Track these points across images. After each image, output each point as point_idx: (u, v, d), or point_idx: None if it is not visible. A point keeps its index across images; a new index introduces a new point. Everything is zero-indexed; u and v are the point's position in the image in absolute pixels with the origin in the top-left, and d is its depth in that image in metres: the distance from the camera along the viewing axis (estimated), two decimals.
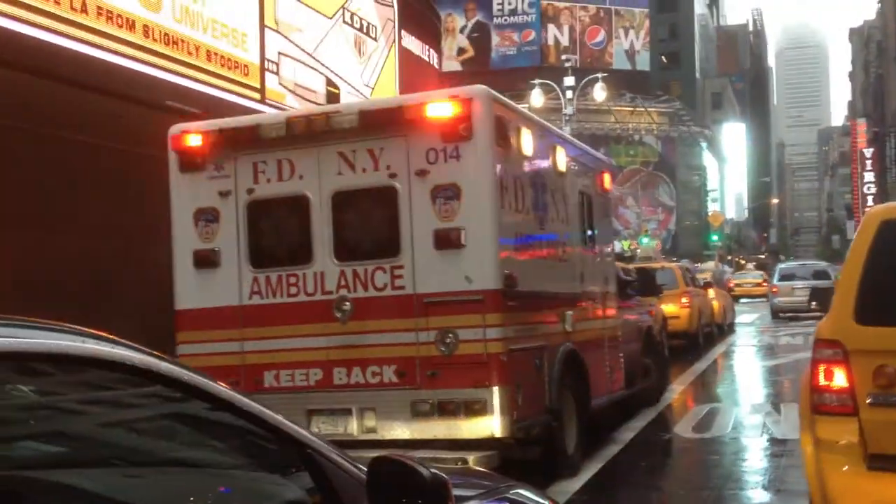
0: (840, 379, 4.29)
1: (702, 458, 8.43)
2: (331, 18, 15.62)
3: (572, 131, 30.98)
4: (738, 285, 45.04)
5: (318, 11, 15.20)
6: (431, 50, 20.57)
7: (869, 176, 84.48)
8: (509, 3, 67.70)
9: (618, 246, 32.22)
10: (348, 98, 15.92)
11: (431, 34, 21.00)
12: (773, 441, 8.76)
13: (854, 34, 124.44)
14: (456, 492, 2.18)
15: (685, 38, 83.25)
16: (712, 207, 71.31)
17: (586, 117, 53.26)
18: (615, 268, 10.20)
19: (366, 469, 2.17)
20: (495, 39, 67.85)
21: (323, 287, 6.69)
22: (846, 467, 4.23)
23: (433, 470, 2.12)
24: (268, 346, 6.78)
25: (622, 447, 8.63)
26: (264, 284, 6.84)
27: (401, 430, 6.42)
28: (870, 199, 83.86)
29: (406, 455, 2.25)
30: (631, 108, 63.75)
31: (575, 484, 7.03)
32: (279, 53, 13.93)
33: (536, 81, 33.95)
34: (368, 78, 16.95)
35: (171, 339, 7.07)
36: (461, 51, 67.05)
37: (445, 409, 6.30)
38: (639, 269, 13.93)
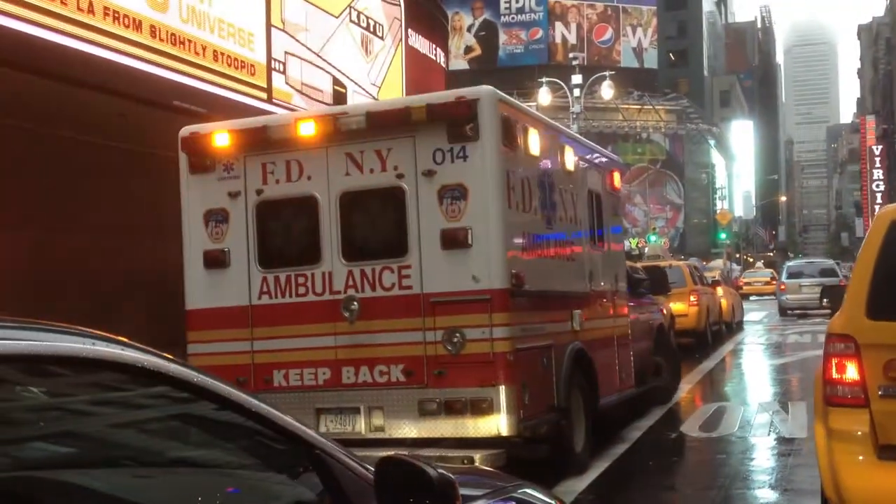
0: (852, 372, 4.44)
1: (709, 457, 8.42)
2: (337, 17, 15.63)
3: (580, 129, 30.97)
4: (747, 283, 45.53)
5: (324, 10, 15.21)
6: (438, 49, 20.55)
7: (878, 173, 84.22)
8: (517, 2, 67.62)
9: (626, 244, 32.23)
10: (355, 97, 15.93)
11: (438, 33, 20.98)
12: (781, 440, 8.75)
13: (863, 31, 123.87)
14: (463, 491, 2.19)
15: (693, 35, 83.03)
16: (720, 205, 71.10)
17: (594, 115, 53.25)
18: (625, 266, 10.20)
19: (373, 469, 2.18)
20: (503, 37, 67.77)
21: (331, 287, 6.76)
22: (858, 457, 4.37)
23: (440, 470, 2.12)
24: (277, 345, 6.85)
25: (629, 446, 8.62)
26: (273, 284, 6.91)
27: (408, 429, 6.47)
28: (879, 196, 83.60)
29: (413, 455, 2.27)
30: (639, 106, 63.63)
31: (582, 483, 7.03)
32: (286, 53, 13.94)
33: (544, 80, 33.95)
34: (375, 77, 16.95)
35: (177, 339, 7.11)
36: (468, 49, 67.00)
37: (452, 408, 6.36)
38: (650, 268, 13.95)
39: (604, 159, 9.62)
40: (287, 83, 13.94)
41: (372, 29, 16.83)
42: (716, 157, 77.23)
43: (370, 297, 6.64)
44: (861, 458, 4.38)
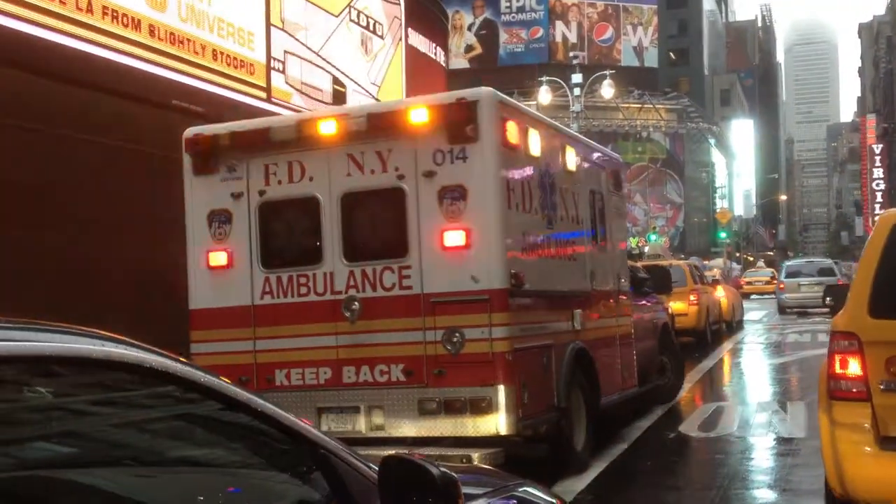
0: (855, 367, 4.68)
1: (708, 458, 8.41)
2: (337, 17, 15.63)
3: (580, 128, 30.96)
4: (748, 283, 46.11)
5: (324, 10, 15.22)
6: (438, 48, 20.56)
7: (878, 172, 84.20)
8: (517, 1, 67.62)
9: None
10: (355, 96, 15.93)
11: (438, 32, 20.99)
12: (780, 440, 8.74)
13: (863, 29, 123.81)
14: (464, 490, 2.21)
15: (694, 34, 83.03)
16: (720, 204, 71.15)
17: (594, 114, 53.26)
18: (628, 265, 10.22)
19: (377, 468, 2.20)
20: (503, 36, 67.78)
21: (332, 287, 6.81)
22: (860, 448, 4.59)
23: (443, 469, 2.14)
24: (279, 345, 6.91)
25: (628, 446, 8.62)
26: (275, 284, 6.97)
27: (408, 428, 6.51)
28: (879, 195, 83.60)
29: (416, 454, 2.28)
30: (639, 105, 63.64)
31: (580, 483, 7.03)
32: (285, 52, 13.95)
33: (544, 79, 33.92)
34: (375, 76, 16.96)
35: (175, 340, 7.11)
36: (469, 48, 67.01)
37: (452, 407, 6.40)
38: (653, 267, 14.00)
39: (606, 159, 9.62)
40: (286, 82, 13.95)
41: (372, 28, 16.83)
42: (716, 156, 77.23)
43: (371, 297, 6.68)
44: (863, 449, 4.58)
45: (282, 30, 13.89)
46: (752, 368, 16.20)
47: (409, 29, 18.45)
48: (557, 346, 7.21)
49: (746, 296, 39.43)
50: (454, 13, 60.51)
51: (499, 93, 6.82)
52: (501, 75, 58.83)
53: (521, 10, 67.74)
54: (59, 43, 9.66)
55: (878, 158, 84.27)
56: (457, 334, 6.39)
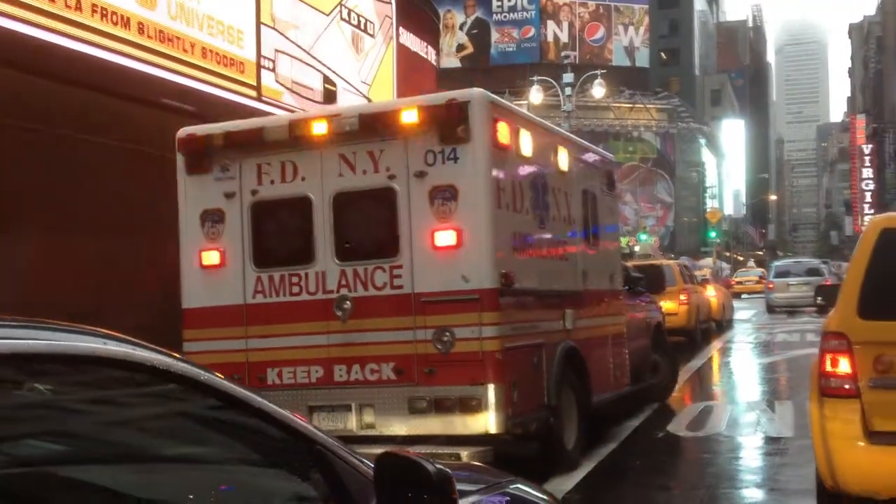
0: (844, 366, 4.92)
1: (696, 457, 8.44)
2: (328, 15, 15.60)
3: (571, 128, 30.96)
4: (739, 282, 46.87)
5: (315, 8, 15.18)
6: (429, 46, 20.54)
7: (868, 172, 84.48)
8: (509, 0, 67.63)
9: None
10: (345, 95, 15.91)
11: (429, 31, 20.97)
12: (768, 439, 8.78)
13: (854, 30, 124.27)
14: (458, 486, 2.23)
15: (685, 34, 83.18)
16: (710, 204, 71.29)
17: (585, 114, 53.29)
18: (621, 265, 10.27)
19: (372, 465, 2.23)
20: (495, 36, 67.78)
21: (324, 286, 6.87)
22: (850, 442, 4.83)
23: (438, 465, 2.17)
24: (271, 343, 6.97)
25: (617, 445, 8.64)
26: (267, 284, 7.03)
27: (398, 427, 6.57)
28: (868, 194, 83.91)
29: (411, 451, 2.32)
30: (630, 105, 63.74)
31: (569, 482, 7.05)
32: (276, 50, 13.91)
33: (535, 78, 33.94)
34: (366, 75, 16.94)
35: (171, 340, 7.10)
36: (460, 47, 66.99)
37: (442, 406, 6.46)
38: (648, 266, 14.13)
39: (599, 159, 9.65)
40: (277, 81, 13.92)
41: (363, 27, 16.81)
42: (706, 156, 77.37)
43: (362, 296, 6.73)
44: (853, 443, 4.82)
45: (272, 28, 13.85)
46: (740, 368, 16.26)
47: (401, 28, 18.43)
48: (548, 346, 7.25)
49: (737, 295, 39.98)
50: (446, 12, 60.47)
51: (490, 93, 6.87)
52: (493, 75, 58.85)
53: (512, 9, 67.76)
54: (46, 40, 9.61)
55: (867, 158, 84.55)
56: (447, 333, 6.44)
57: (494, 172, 6.66)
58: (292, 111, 13.70)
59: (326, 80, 15.36)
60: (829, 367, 4.98)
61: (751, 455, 8.35)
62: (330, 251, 6.87)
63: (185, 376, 2.06)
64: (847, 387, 4.90)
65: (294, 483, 2.30)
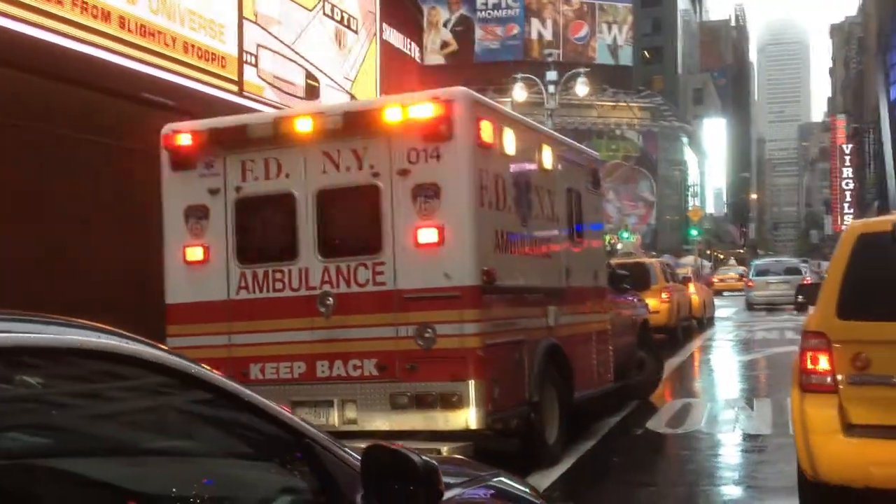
0: (824, 363, 5.18)
1: (675, 454, 8.48)
2: (311, 10, 15.55)
3: (554, 126, 30.99)
4: (721, 280, 47.55)
5: (297, 3, 15.14)
6: (413, 43, 20.52)
7: (848, 171, 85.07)
8: None
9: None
10: (328, 91, 15.87)
11: (413, 27, 20.95)
12: (746, 436, 8.83)
13: (835, 30, 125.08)
14: (443, 479, 2.26)
15: (668, 33, 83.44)
16: (692, 202, 71.63)
17: (569, 112, 53.35)
18: (605, 263, 10.32)
19: (359, 457, 2.26)
20: (479, 33, 67.78)
21: (307, 282, 6.91)
22: (828, 434, 5.08)
23: (424, 457, 2.20)
24: (254, 339, 7.01)
25: (596, 441, 8.67)
26: (251, 280, 7.07)
27: (380, 422, 6.61)
28: (848, 194, 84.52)
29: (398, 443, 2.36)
30: (613, 103, 63.92)
31: (546, 480, 7.06)
32: (258, 45, 13.86)
33: (519, 76, 33.93)
34: (349, 71, 16.90)
35: (151, 332, 7.06)
36: (444, 44, 66.94)
37: (423, 402, 6.52)
38: (634, 264, 14.27)
39: (583, 157, 9.69)
40: (259, 76, 13.87)
41: (346, 22, 16.77)
42: (688, 155, 77.72)
43: (345, 292, 6.79)
44: (831, 435, 5.07)
45: (254, 23, 13.80)
46: (720, 365, 16.36)
47: (384, 24, 18.40)
48: (530, 342, 7.31)
49: (718, 293, 40.66)
50: (430, 9, 60.39)
51: (473, 92, 6.93)
52: (477, 72, 58.82)
53: (496, 6, 67.76)
54: (24, 33, 9.53)
55: (847, 158, 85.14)
56: (429, 330, 6.50)
57: (477, 171, 6.71)
58: (274, 107, 13.66)
59: (309, 75, 15.31)
60: (809, 365, 5.23)
61: (729, 452, 8.40)
62: (313, 248, 6.91)
63: (176, 369, 2.08)
64: (826, 382, 5.16)
65: (283, 475, 2.32)
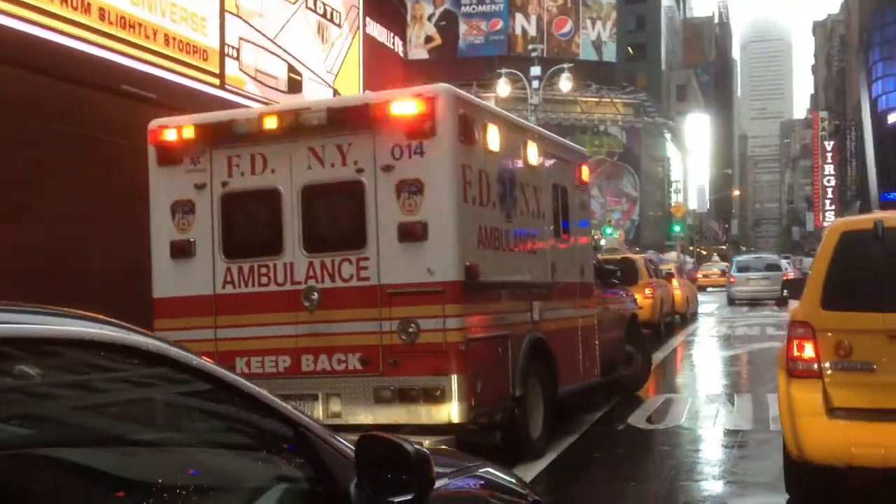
0: (809, 351, 5.52)
1: (656, 449, 8.49)
2: (293, 3, 15.47)
3: (538, 121, 31.01)
4: (704, 276, 48.49)
5: None
6: (396, 37, 20.46)
7: (829, 168, 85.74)
8: None
9: None
10: (310, 85, 15.80)
11: (396, 21, 20.89)
12: (727, 432, 8.86)
13: (818, 28, 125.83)
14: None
15: (652, 29, 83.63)
16: (675, 198, 71.91)
17: (553, 107, 53.41)
18: (592, 258, 10.35)
19: (353, 447, 2.32)
20: (463, 28, 67.67)
21: (292, 277, 6.97)
22: (813, 417, 5.43)
23: (416, 446, 2.25)
24: (240, 333, 7.07)
25: (576, 437, 8.67)
26: (237, 274, 7.14)
27: (364, 416, 6.67)
28: (830, 190, 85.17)
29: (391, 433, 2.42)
30: (597, 99, 63.96)
31: (530, 473, 7.04)
32: (240, 38, 13.76)
33: (503, 71, 33.91)
34: (332, 65, 16.82)
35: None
36: (428, 39, 66.80)
37: (406, 396, 6.59)
38: (622, 259, 14.39)
39: (570, 153, 9.72)
40: (241, 69, 13.78)
41: (329, 16, 16.69)
42: (671, 151, 77.97)
43: (330, 287, 6.85)
44: (815, 418, 5.42)
45: (236, 16, 13.70)
46: (702, 361, 16.44)
47: (367, 18, 18.33)
48: (514, 337, 7.36)
49: (702, 288, 41.49)
50: (414, 3, 60.28)
51: (457, 89, 6.99)
52: (461, 67, 58.74)
53: (481, 1, 67.66)
54: (2, 24, 9.41)
55: (829, 155, 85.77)
56: (412, 325, 6.56)
57: (460, 167, 6.76)
58: (256, 100, 13.58)
59: (291, 69, 15.23)
60: (795, 352, 5.56)
61: (710, 447, 8.43)
62: (298, 243, 6.97)
63: (178, 361, 2.12)
64: (811, 369, 5.49)
65: (279, 464, 2.37)
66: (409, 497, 2.22)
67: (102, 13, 10.83)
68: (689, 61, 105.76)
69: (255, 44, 14.17)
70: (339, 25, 17.08)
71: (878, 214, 6.17)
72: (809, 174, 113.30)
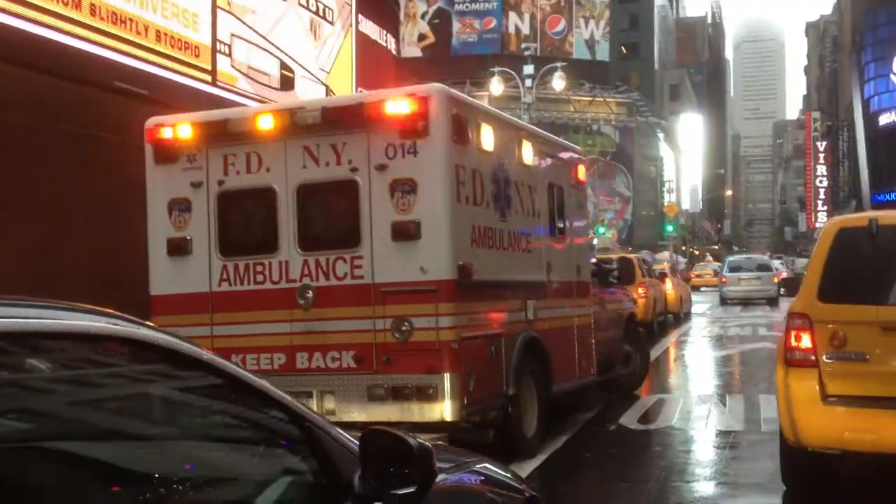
0: (806, 341, 5.79)
1: (647, 450, 8.46)
2: (286, 0, 15.40)
3: (531, 120, 31.01)
4: (698, 276, 49.02)
5: None
6: (389, 35, 20.40)
7: (822, 169, 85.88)
8: None
9: None
10: (303, 82, 15.74)
11: (389, 19, 20.83)
12: (718, 433, 8.84)
13: (810, 28, 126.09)
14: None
15: (645, 29, 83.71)
16: (668, 198, 72.01)
17: (546, 106, 53.40)
18: (589, 257, 10.35)
19: (357, 441, 2.39)
20: (456, 26, 67.64)
21: (287, 275, 7.03)
22: (809, 403, 5.70)
23: (419, 440, 2.31)
24: (235, 331, 7.13)
25: (568, 438, 8.64)
26: (233, 272, 7.19)
27: (357, 413, 6.71)
28: (822, 191, 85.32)
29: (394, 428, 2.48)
30: (590, 98, 64.00)
31: (522, 472, 6.98)
32: (232, 35, 13.70)
33: (496, 69, 33.88)
34: (324, 62, 16.76)
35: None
36: (422, 37, 66.76)
37: (399, 394, 6.64)
38: (620, 258, 14.47)
39: (566, 153, 9.71)
40: (233, 66, 13.71)
41: (321, 13, 16.63)
42: (664, 151, 78.06)
43: (324, 285, 6.90)
44: (811, 404, 5.69)
45: (228, 12, 13.64)
46: (694, 361, 16.43)
47: (360, 15, 18.27)
48: (508, 336, 7.40)
49: (696, 288, 41.89)
50: (408, 1, 60.20)
51: (450, 89, 7.03)
52: (454, 65, 58.73)
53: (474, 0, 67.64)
54: None
55: (821, 156, 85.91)
56: (405, 323, 6.61)
57: (453, 166, 6.80)
58: (248, 97, 13.53)
59: (284, 66, 15.17)
60: (793, 342, 5.83)
61: (701, 448, 8.41)
62: (293, 241, 7.03)
63: (188, 356, 2.17)
64: (808, 358, 5.75)
65: (286, 457, 2.43)
66: (411, 489, 2.27)
67: (93, 9, 10.76)
68: (683, 61, 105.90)
69: (247, 40, 14.10)
70: (331, 23, 17.02)
71: (872, 213, 6.37)
72: (802, 175, 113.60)
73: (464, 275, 6.69)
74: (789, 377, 5.84)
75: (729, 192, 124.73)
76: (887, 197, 51.60)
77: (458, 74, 47.71)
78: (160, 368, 2.21)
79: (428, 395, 6.52)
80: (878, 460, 5.90)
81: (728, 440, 8.40)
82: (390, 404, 6.63)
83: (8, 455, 1.87)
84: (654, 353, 16.57)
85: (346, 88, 17.07)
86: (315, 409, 6.67)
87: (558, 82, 33.46)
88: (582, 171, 9.98)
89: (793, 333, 5.83)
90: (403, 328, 6.59)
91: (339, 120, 6.91)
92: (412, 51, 61.17)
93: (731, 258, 39.92)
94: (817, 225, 79.14)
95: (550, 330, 8.29)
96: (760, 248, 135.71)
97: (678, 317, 24.81)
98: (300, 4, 15.84)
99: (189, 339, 2.26)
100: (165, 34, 12.04)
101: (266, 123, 7.07)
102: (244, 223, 7.38)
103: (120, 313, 2.15)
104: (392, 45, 20.66)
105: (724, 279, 33.86)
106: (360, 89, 17.34)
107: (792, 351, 5.83)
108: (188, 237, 7.30)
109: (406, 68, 24.65)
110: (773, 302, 31.63)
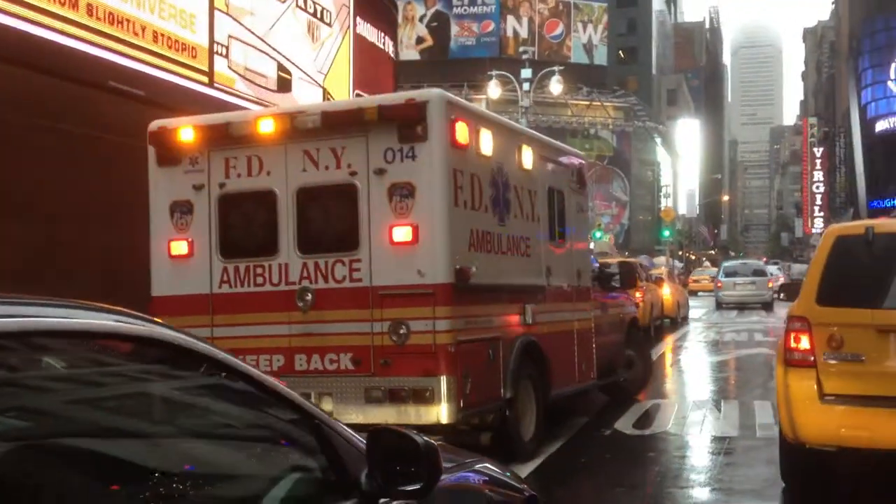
0: (805, 343, 6.04)
1: (642, 455, 8.44)
2: (284, 2, 15.38)
3: (529, 123, 30.98)
4: (695, 281, 49.71)
5: None
6: (387, 37, 20.38)
7: (818, 174, 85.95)
8: None
9: None
10: (300, 84, 15.72)
11: (387, 22, 20.80)
12: (713, 438, 8.83)
13: (808, 34, 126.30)
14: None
15: (643, 33, 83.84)
16: (665, 203, 72.03)
17: (543, 110, 53.41)
18: (590, 262, 10.36)
19: (364, 440, 2.45)
20: (454, 29, 67.67)
21: (287, 278, 7.11)
22: (807, 402, 5.95)
23: (425, 438, 2.36)
24: (235, 332, 7.19)
25: (563, 442, 8.63)
26: (233, 274, 7.29)
27: (355, 415, 6.76)
28: (819, 197, 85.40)
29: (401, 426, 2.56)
30: (587, 102, 64.03)
31: None
32: (229, 36, 13.67)
33: (494, 73, 33.86)
34: (322, 64, 16.74)
35: None
36: (420, 39, 66.77)
37: (396, 396, 6.71)
38: (621, 263, 14.56)
39: (566, 157, 9.72)
40: (230, 67, 13.69)
41: (319, 15, 16.61)
42: (661, 155, 78.11)
43: (323, 288, 6.98)
44: (809, 403, 5.93)
45: (226, 13, 13.61)
46: (689, 366, 16.42)
47: (358, 18, 18.25)
48: (506, 339, 7.44)
49: (693, 293, 42.15)
50: (406, 4, 60.23)
51: (449, 94, 7.10)
52: (452, 68, 58.78)
53: (472, 3, 67.67)
54: None
55: (818, 161, 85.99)
56: (403, 326, 6.67)
57: (452, 170, 6.85)
58: (246, 98, 13.51)
59: (281, 68, 15.15)
60: (792, 344, 6.09)
61: (696, 454, 8.40)
62: (293, 244, 7.11)
63: (206, 355, 2.22)
64: (807, 359, 6.00)
65: (296, 454, 2.50)
66: (417, 486, 2.33)
67: (90, 9, 10.73)
68: (680, 66, 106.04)
69: (244, 42, 14.08)
70: (329, 25, 17.00)
71: (868, 221, 6.60)
72: (799, 180, 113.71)
73: (461, 278, 6.73)
74: (788, 377, 6.08)
75: (726, 198, 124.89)
76: (884, 203, 51.65)
77: (455, 77, 47.77)
78: (173, 367, 2.25)
79: (424, 397, 6.58)
80: (873, 456, 6.13)
81: (723, 446, 8.39)
82: (387, 406, 6.68)
83: (33, 452, 1.90)
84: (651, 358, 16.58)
85: (343, 91, 17.05)
86: None
87: (556, 86, 33.42)
88: (582, 176, 9.98)
89: (792, 335, 6.08)
90: (401, 331, 6.65)
91: (339, 124, 6.97)
92: (410, 53, 61.18)
93: (726, 263, 40.43)
94: (814, 230, 79.23)
95: (549, 334, 8.31)
96: (757, 253, 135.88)
97: (675, 321, 24.95)
98: (298, 6, 15.82)
99: (203, 339, 2.30)
100: (162, 35, 12.01)
101: (267, 127, 7.13)
102: (244, 226, 7.45)
103: (136, 312, 2.19)
104: (390, 48, 20.64)
105: (719, 284, 34.35)
106: (357, 92, 17.32)
107: (791, 352, 6.08)
108: (190, 239, 7.38)
109: (404, 71, 24.65)
110: (768, 307, 31.77)
